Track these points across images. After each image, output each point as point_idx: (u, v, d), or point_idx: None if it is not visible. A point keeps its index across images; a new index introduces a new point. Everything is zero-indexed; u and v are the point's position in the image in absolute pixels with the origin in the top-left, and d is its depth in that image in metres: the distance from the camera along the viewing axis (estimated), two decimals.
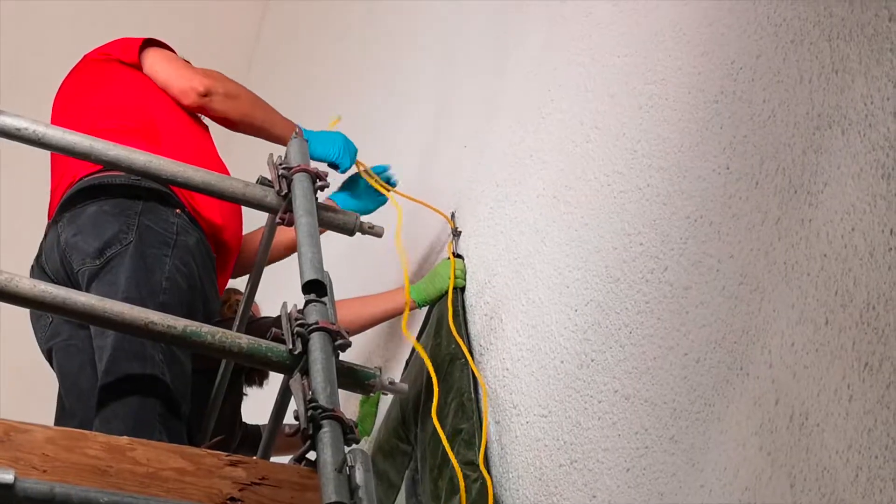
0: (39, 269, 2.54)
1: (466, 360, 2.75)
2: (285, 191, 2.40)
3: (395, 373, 3.19)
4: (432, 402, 2.83)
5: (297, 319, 2.07)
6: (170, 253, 2.45)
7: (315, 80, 4.90)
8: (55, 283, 2.51)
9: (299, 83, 5.01)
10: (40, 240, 2.61)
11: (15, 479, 1.61)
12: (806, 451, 1.59)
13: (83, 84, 2.77)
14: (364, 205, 3.01)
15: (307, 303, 2.13)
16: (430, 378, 2.88)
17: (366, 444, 3.35)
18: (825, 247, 1.63)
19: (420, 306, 3.03)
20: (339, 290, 2.88)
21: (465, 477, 2.54)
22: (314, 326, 2.05)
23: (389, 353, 3.37)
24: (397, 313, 3.07)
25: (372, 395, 3.38)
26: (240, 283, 2.90)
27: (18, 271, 2.07)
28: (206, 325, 2.07)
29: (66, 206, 2.56)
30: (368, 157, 3.13)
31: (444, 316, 2.92)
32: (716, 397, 1.83)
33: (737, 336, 1.80)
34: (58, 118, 2.74)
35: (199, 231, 2.54)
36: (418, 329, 3.08)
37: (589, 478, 2.16)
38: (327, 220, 2.47)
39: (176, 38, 2.97)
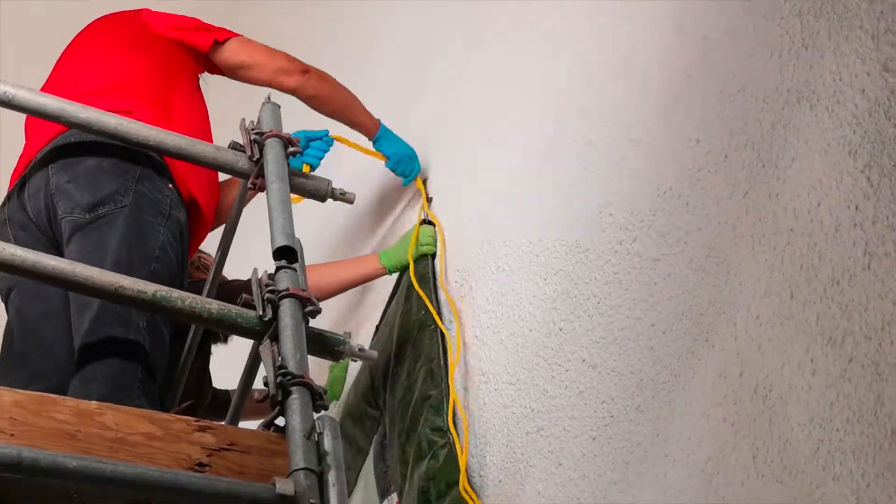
0: (19, 206, 2.51)
1: (436, 326, 2.77)
2: (257, 156, 2.39)
3: (365, 338, 3.20)
4: (402, 368, 2.85)
5: (267, 286, 2.07)
6: (164, 223, 2.45)
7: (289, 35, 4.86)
8: (34, 224, 2.50)
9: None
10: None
11: None
12: (769, 423, 1.61)
13: (111, 37, 2.77)
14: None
15: (278, 269, 2.13)
16: (398, 344, 2.90)
17: (335, 409, 3.37)
18: (792, 221, 1.65)
19: (391, 272, 3.04)
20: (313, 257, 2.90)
21: (433, 442, 2.56)
22: (284, 293, 2.06)
23: (360, 319, 3.38)
24: (368, 279, 3.08)
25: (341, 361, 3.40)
26: (210, 245, 2.90)
27: None
28: (177, 290, 2.07)
29: (60, 151, 2.52)
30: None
31: (411, 283, 2.93)
32: (681, 368, 1.85)
33: (703, 308, 1.82)
34: (66, 71, 2.74)
35: (185, 210, 2.55)
36: (388, 295, 3.10)
37: (555, 445, 2.18)
38: (299, 185, 2.47)
39: None
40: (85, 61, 2.76)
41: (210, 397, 3.12)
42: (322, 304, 3.23)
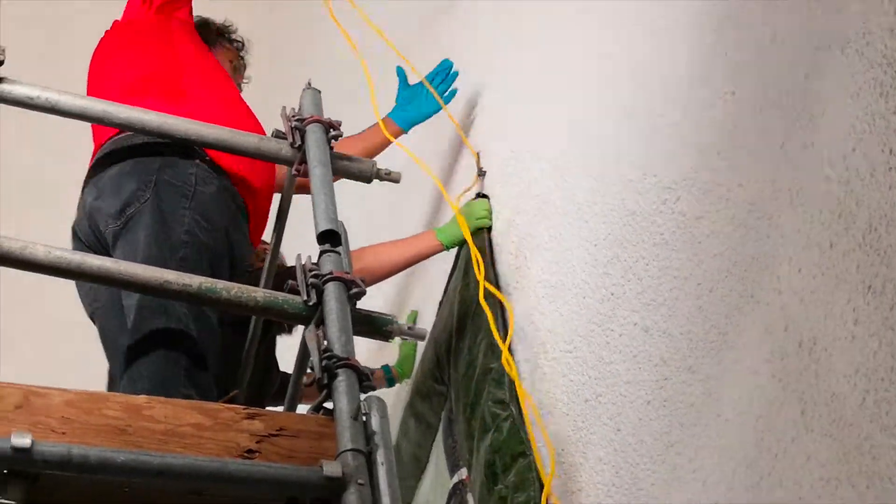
0: (74, 236, 2.57)
1: (495, 298, 2.75)
2: (299, 142, 2.39)
3: (432, 315, 3.20)
4: (464, 342, 2.84)
5: (311, 270, 2.07)
6: (188, 205, 2.45)
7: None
8: (88, 248, 2.54)
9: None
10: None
11: (32, 442, 1.63)
12: (815, 376, 1.57)
13: (109, 51, 2.79)
14: (424, 109, 3.03)
15: (321, 253, 2.13)
16: (459, 319, 2.89)
17: (406, 387, 3.37)
18: (828, 169, 1.60)
19: (448, 248, 3.03)
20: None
21: (496, 415, 2.55)
22: (328, 276, 2.06)
23: (426, 296, 3.38)
24: (425, 256, 3.07)
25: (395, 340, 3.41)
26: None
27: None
28: (221, 280, 2.08)
29: (91, 172, 2.59)
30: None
31: (470, 257, 2.91)
32: (729, 326, 1.81)
33: (747, 264, 1.79)
34: (91, 86, 2.77)
35: (220, 178, 2.53)
36: (449, 271, 3.09)
37: (613, 411, 2.16)
38: (343, 168, 2.47)
39: None
40: (94, 78, 2.79)
41: (278, 384, 3.14)
42: (388, 283, 3.27)
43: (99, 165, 2.56)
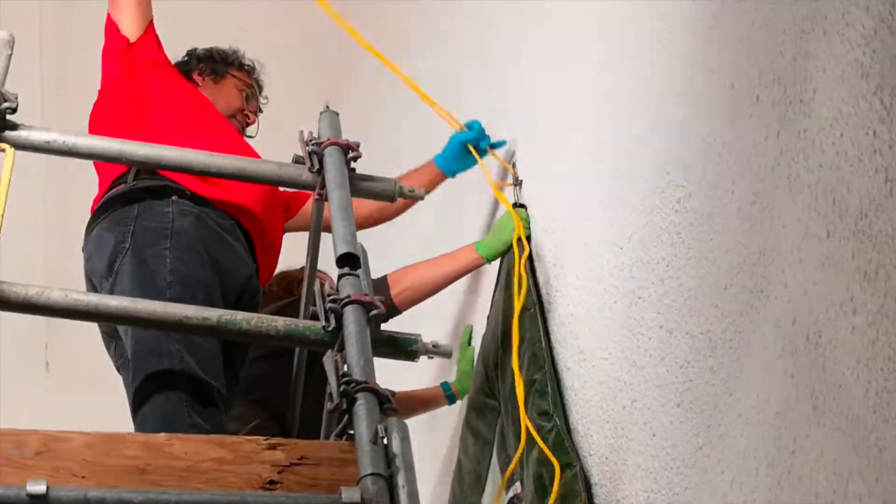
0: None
1: (536, 309, 2.73)
2: (318, 166, 2.39)
3: (479, 328, 3.18)
4: (509, 355, 2.81)
5: (329, 295, 2.07)
6: (168, 245, 2.46)
7: (390, 45, 4.88)
8: None
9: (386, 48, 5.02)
10: None
11: (48, 488, 1.64)
12: (823, 370, 1.53)
13: (97, 113, 2.83)
14: (461, 165, 3.03)
15: (340, 276, 2.13)
16: (503, 331, 2.87)
17: (462, 404, 3.36)
18: (819, 156, 1.56)
19: (489, 261, 3.01)
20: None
21: (541, 427, 2.52)
22: (346, 300, 2.05)
23: (470, 309, 3.36)
24: (467, 271, 3.06)
25: (465, 353, 3.39)
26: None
27: None
28: (241, 312, 2.08)
29: (84, 237, 2.64)
30: (428, 119, 3.13)
31: (512, 268, 2.89)
32: (744, 323, 1.78)
33: (755, 258, 1.75)
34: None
35: (200, 207, 2.54)
36: (494, 284, 3.07)
37: (648, 416, 2.12)
38: (366, 189, 2.46)
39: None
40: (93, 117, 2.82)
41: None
42: (437, 300, 3.26)
43: (87, 228, 2.62)
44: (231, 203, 2.61)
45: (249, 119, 3.11)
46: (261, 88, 3.13)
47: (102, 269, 2.47)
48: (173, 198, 2.53)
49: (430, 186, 2.99)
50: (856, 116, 1.47)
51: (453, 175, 3.07)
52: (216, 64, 3.06)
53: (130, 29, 2.76)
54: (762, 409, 1.70)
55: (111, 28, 2.79)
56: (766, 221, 1.71)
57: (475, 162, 3.04)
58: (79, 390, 5.46)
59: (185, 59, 3.10)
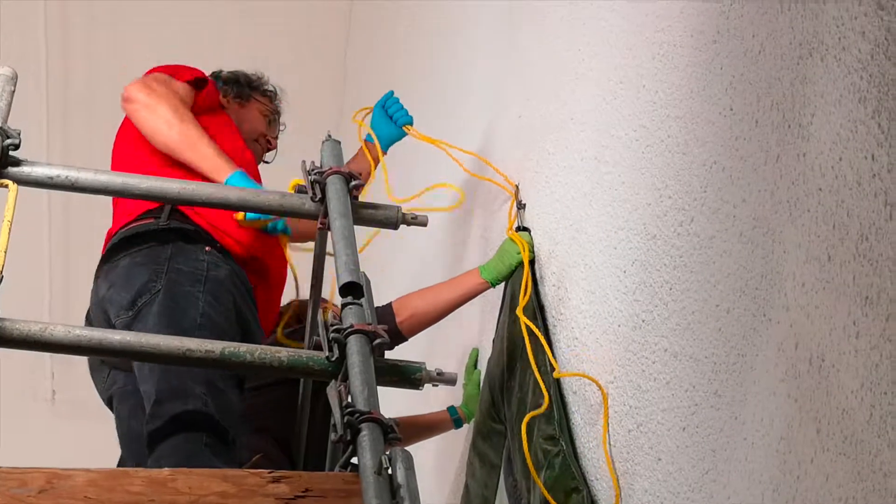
0: (88, 323, 2.60)
1: (541, 332, 2.72)
2: (320, 196, 2.40)
3: (485, 352, 3.18)
4: (514, 380, 2.81)
5: (332, 325, 2.07)
6: (202, 289, 2.47)
7: (388, 68, 4.90)
8: None
9: (386, 76, 5.04)
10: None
11: None
12: (826, 394, 1.53)
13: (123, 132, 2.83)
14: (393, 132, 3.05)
15: (343, 306, 2.13)
16: (509, 355, 2.87)
17: (469, 428, 3.35)
18: (819, 180, 1.56)
19: (494, 285, 3.01)
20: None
21: (547, 452, 2.52)
22: (350, 330, 2.05)
23: (483, 335, 3.36)
24: (473, 295, 3.06)
25: (471, 376, 3.39)
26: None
27: None
28: (245, 344, 2.08)
29: (103, 260, 2.64)
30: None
31: (516, 292, 2.89)
32: (746, 347, 1.77)
33: (757, 282, 1.75)
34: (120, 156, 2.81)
35: (230, 263, 2.56)
36: (499, 307, 3.07)
37: (654, 440, 2.12)
38: (369, 216, 2.46)
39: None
40: (116, 145, 2.82)
41: None
42: (441, 324, 3.26)
43: (110, 256, 2.60)
44: (254, 265, 2.63)
45: (271, 144, 3.13)
46: (279, 114, 3.15)
47: (125, 301, 2.47)
48: (206, 248, 2.54)
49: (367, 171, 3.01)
50: (854, 140, 1.47)
51: (385, 147, 3.06)
52: (242, 87, 3.07)
53: (124, 91, 2.78)
54: (767, 433, 1.69)
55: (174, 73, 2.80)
56: (768, 245, 1.71)
57: (401, 131, 3.05)
58: (84, 420, 5.46)
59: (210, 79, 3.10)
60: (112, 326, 2.52)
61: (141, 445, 2.36)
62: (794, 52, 1.65)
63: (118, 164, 2.73)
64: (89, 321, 2.62)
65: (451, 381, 2.18)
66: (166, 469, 1.87)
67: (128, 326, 2.45)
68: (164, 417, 2.28)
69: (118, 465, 2.49)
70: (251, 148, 3.00)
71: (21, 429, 6.20)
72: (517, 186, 3.06)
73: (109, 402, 2.56)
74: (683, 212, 2.02)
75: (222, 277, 2.53)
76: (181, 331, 2.37)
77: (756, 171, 1.76)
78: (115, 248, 2.57)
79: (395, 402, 2.69)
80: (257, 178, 2.77)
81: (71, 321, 2.20)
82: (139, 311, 2.45)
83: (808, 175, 1.60)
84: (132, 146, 2.75)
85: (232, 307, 2.51)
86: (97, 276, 2.60)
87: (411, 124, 3.05)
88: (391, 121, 2.99)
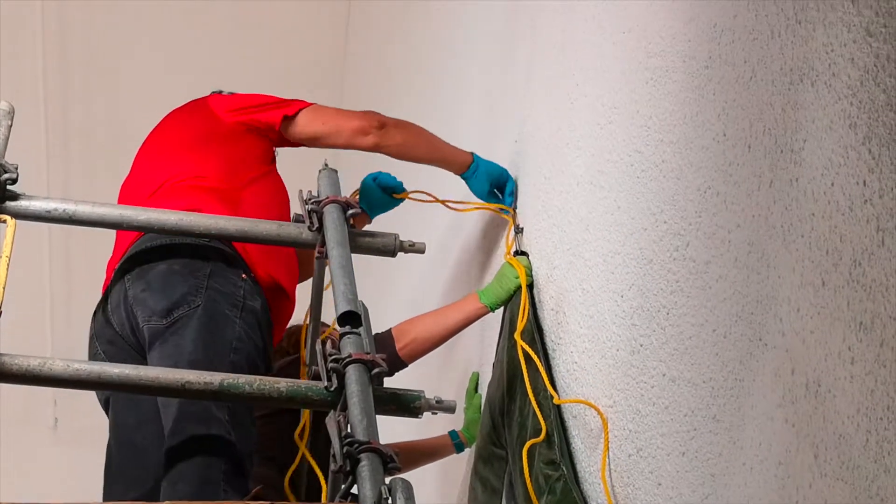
0: (104, 321, 2.58)
1: (540, 357, 2.72)
2: (317, 225, 2.40)
3: (485, 376, 3.18)
4: (515, 405, 2.81)
5: (330, 355, 2.07)
6: (239, 315, 2.49)
7: (383, 92, 4.91)
8: (120, 336, 2.56)
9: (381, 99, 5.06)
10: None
11: None
12: (823, 419, 1.53)
13: (181, 131, 2.82)
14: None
15: (342, 335, 2.13)
16: (508, 380, 2.87)
17: (470, 452, 3.35)
18: (812, 205, 1.57)
19: (493, 309, 3.02)
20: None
21: (548, 476, 2.52)
22: (348, 360, 2.05)
23: (484, 359, 3.36)
24: (472, 320, 3.06)
25: (472, 401, 3.39)
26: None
27: None
28: (244, 375, 2.08)
29: (134, 260, 2.59)
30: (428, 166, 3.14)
31: (515, 316, 2.90)
32: (744, 371, 1.78)
33: (752, 307, 1.75)
34: (141, 170, 2.80)
35: (262, 297, 2.57)
36: (498, 331, 3.07)
37: (654, 465, 2.12)
38: (366, 245, 2.47)
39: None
40: (156, 159, 2.81)
41: None
42: (441, 350, 3.26)
43: (145, 258, 2.57)
44: (283, 302, 2.65)
45: None
46: None
47: (160, 307, 2.47)
48: (242, 274, 2.55)
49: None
50: (846, 166, 1.48)
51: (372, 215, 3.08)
52: None
53: (302, 134, 2.83)
54: (765, 458, 1.70)
55: (281, 110, 2.82)
56: (763, 270, 1.72)
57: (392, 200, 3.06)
58: (87, 447, 5.46)
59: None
60: (138, 328, 2.51)
61: (139, 461, 2.37)
62: (785, 78, 1.66)
63: (136, 184, 2.72)
64: (99, 322, 2.59)
65: (450, 408, 2.18)
66: (167, 503, 1.87)
67: (159, 333, 2.45)
68: (186, 438, 2.29)
69: (105, 472, 2.48)
70: None
71: (23, 456, 6.20)
72: (514, 211, 3.06)
73: (106, 403, 2.54)
74: (679, 236, 2.03)
75: (258, 309, 2.54)
76: (215, 352, 2.38)
77: (749, 196, 1.76)
78: (151, 252, 2.55)
79: (395, 427, 2.69)
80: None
81: (74, 354, 2.20)
82: (175, 322, 2.46)
83: (800, 200, 1.61)
84: (156, 168, 2.74)
85: (261, 340, 2.52)
86: (124, 271, 2.56)
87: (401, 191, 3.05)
88: (382, 191, 2.99)
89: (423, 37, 4.33)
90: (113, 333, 2.57)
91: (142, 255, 2.57)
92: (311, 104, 2.88)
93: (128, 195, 2.68)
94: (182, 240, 2.54)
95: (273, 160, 2.88)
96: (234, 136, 2.79)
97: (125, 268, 2.56)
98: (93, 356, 2.54)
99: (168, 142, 2.84)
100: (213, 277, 2.53)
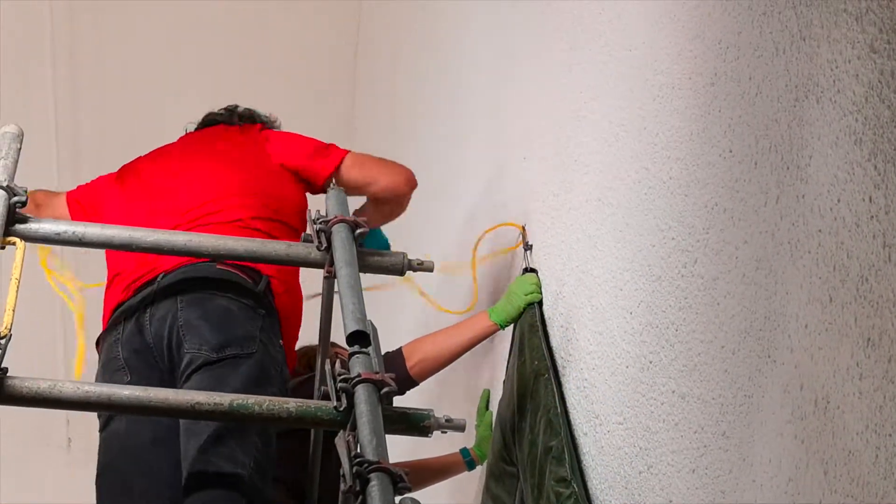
0: (136, 329, 2.58)
1: (550, 375, 2.73)
2: (325, 244, 2.41)
3: (496, 393, 3.18)
4: (525, 422, 2.81)
5: (339, 374, 2.07)
6: (279, 379, 2.58)
7: (392, 114, 4.92)
8: (151, 348, 2.57)
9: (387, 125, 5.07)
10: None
11: None
12: (832, 435, 1.53)
13: (222, 163, 2.86)
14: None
15: (351, 355, 2.13)
16: (519, 397, 2.87)
17: (482, 470, 3.35)
18: (819, 221, 1.57)
19: (503, 327, 3.02)
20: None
21: (559, 494, 2.52)
22: (357, 379, 2.05)
23: (494, 376, 3.36)
24: (482, 338, 3.06)
25: (483, 418, 3.39)
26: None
27: None
28: (253, 396, 2.09)
29: (191, 284, 2.61)
30: (438, 183, 3.15)
31: (525, 333, 2.90)
32: (753, 388, 1.78)
33: (761, 323, 1.75)
34: (174, 185, 2.83)
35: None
36: (507, 350, 3.07)
37: (665, 482, 2.12)
38: (375, 263, 2.47)
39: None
40: (193, 185, 2.80)
41: None
42: (452, 368, 3.26)
43: (202, 284, 2.60)
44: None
45: None
46: None
47: (214, 341, 2.51)
48: (280, 341, 2.65)
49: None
50: (852, 182, 1.48)
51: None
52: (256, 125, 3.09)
53: (354, 180, 2.91)
54: (775, 474, 1.69)
55: (335, 157, 2.90)
56: (770, 287, 1.72)
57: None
58: None
59: (225, 113, 3.12)
60: (179, 350, 2.52)
61: (151, 481, 2.38)
62: (790, 95, 1.66)
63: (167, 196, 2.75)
64: (139, 330, 2.59)
65: (459, 427, 2.18)
66: None
67: (208, 363, 2.49)
68: (210, 469, 2.32)
69: (98, 472, 2.49)
70: None
71: (36, 476, 6.20)
72: (524, 228, 3.07)
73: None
74: (687, 253, 2.03)
75: (287, 378, 2.65)
76: None
77: (756, 212, 1.76)
78: (210, 281, 2.58)
79: (404, 444, 2.69)
80: None
81: (85, 376, 2.21)
82: (225, 358, 2.50)
83: (807, 216, 1.61)
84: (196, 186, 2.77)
85: None
86: (176, 291, 2.58)
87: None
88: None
89: (431, 58, 4.34)
90: (142, 343, 2.57)
91: (201, 282, 2.59)
92: (349, 151, 2.97)
93: (154, 214, 2.67)
94: (243, 282, 2.59)
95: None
96: (281, 180, 2.87)
97: (179, 288, 2.57)
98: (109, 361, 2.55)
99: (206, 169, 2.84)
100: (265, 332, 2.61)
